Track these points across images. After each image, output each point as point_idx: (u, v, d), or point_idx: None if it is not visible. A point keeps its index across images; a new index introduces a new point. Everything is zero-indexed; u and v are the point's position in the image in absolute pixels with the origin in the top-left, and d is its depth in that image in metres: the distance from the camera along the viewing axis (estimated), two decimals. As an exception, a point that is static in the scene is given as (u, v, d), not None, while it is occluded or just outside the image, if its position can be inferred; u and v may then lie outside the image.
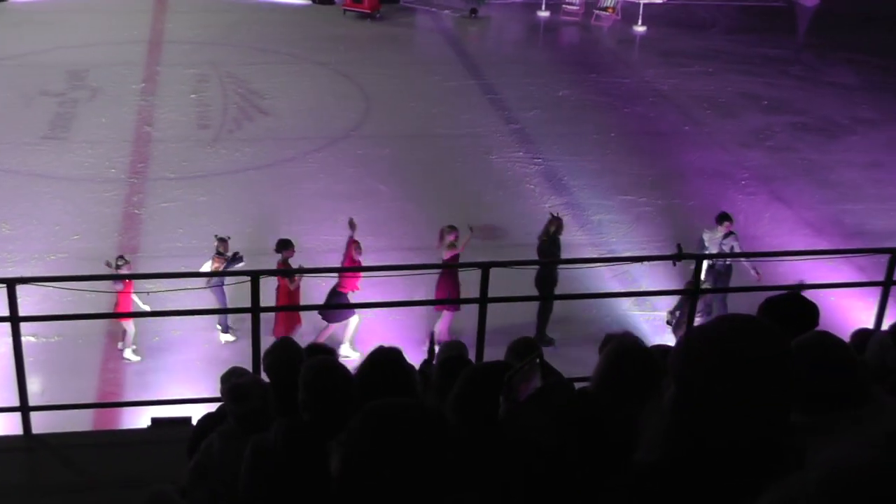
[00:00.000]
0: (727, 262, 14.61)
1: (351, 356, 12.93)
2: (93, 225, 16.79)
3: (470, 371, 4.91)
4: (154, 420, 8.83)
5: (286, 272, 13.01)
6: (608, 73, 26.60)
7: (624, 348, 5.08)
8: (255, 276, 8.75)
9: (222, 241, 14.10)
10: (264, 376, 6.00)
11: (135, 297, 13.15)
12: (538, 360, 3.20)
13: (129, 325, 13.28)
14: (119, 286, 12.86)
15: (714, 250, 14.70)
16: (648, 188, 19.36)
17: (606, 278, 14.86)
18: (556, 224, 14.47)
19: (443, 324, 13.87)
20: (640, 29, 30.77)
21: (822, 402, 3.93)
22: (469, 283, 11.64)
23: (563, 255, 14.50)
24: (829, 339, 4.29)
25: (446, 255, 14.10)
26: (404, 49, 28.82)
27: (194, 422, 6.80)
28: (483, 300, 9.15)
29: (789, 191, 19.68)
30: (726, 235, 14.90)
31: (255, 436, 5.10)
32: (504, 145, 21.13)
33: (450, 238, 14.14)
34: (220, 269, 13.70)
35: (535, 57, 28.06)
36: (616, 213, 18.23)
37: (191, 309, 11.65)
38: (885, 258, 11.21)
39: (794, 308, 5.95)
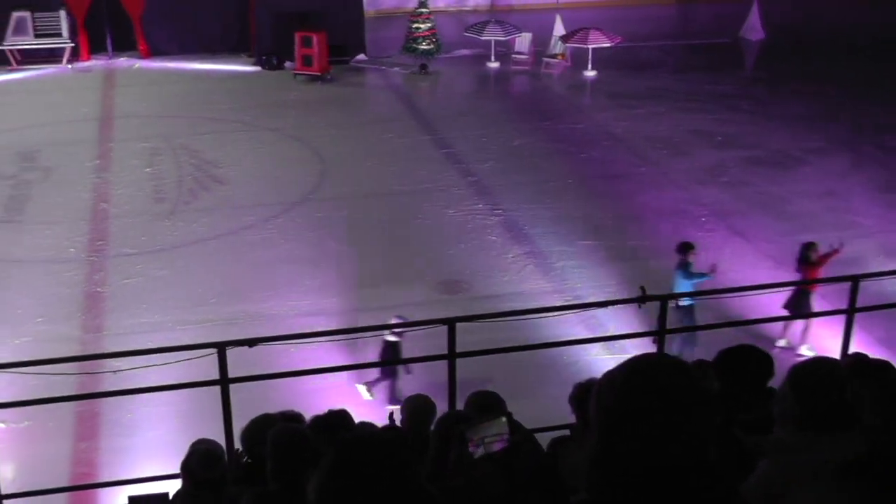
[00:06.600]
0: None
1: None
2: (55, 306, 16.60)
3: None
4: (131, 499, 8.72)
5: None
6: (561, 119, 26.80)
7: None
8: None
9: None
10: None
11: None
12: (504, 419, 3.22)
13: None
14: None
15: None
16: (608, 231, 19.45)
17: (573, 324, 14.87)
18: None
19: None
20: (590, 74, 31.03)
21: (811, 421, 4.02)
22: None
23: (529, 305, 14.50)
24: (825, 363, 4.38)
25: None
26: (356, 109, 28.87)
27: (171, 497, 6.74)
28: (452, 355, 9.15)
29: (747, 225, 19.83)
30: None
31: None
32: (462, 198, 21.19)
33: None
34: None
35: (487, 108, 28.21)
36: (578, 258, 18.28)
37: (165, 384, 11.42)
38: (847, 286, 11.36)
39: (748, 359, 6.06)
